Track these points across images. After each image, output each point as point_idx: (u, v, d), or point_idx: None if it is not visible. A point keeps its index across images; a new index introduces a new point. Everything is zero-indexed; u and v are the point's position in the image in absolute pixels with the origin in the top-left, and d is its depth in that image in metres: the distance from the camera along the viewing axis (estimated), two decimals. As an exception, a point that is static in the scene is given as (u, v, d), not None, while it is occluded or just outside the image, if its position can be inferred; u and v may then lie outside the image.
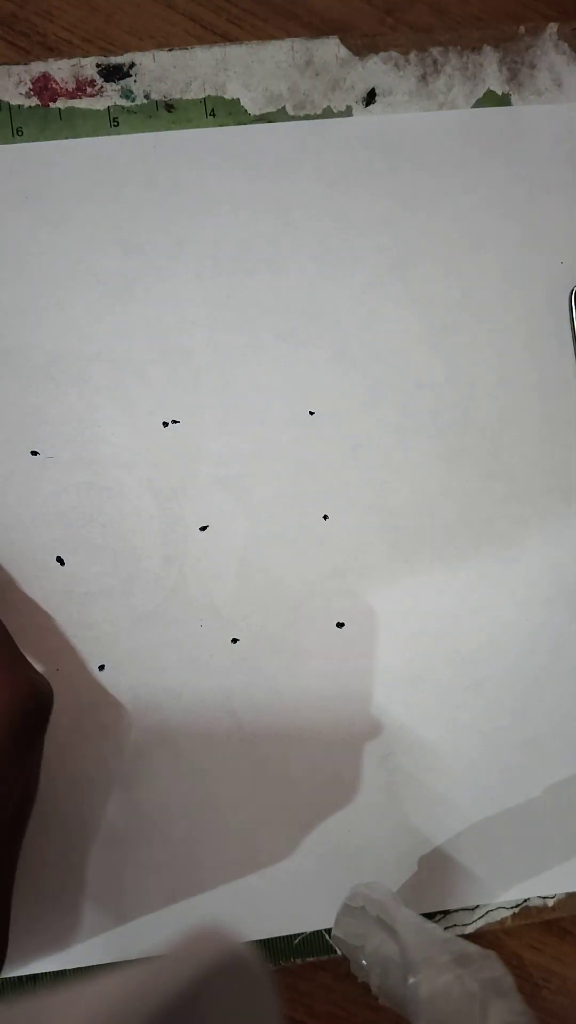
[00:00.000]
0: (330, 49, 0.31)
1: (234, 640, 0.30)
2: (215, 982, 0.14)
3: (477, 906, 0.30)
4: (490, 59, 0.32)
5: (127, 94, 0.30)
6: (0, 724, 0.21)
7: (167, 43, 0.32)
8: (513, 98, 0.32)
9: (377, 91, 0.31)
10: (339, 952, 0.28)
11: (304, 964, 0.30)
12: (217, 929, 0.15)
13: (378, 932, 0.25)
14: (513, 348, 0.32)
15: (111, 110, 0.30)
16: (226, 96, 0.31)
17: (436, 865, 0.30)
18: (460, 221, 0.32)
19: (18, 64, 0.30)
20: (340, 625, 0.30)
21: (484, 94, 0.32)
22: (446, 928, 0.30)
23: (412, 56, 0.32)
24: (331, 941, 0.28)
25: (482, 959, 0.23)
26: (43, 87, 0.30)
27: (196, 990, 0.13)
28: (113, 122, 0.30)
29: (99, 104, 0.30)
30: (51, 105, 0.30)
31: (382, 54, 0.31)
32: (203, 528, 0.30)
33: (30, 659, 0.28)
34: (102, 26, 0.31)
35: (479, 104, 0.32)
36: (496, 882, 0.31)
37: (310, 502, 0.30)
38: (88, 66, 0.30)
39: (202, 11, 0.32)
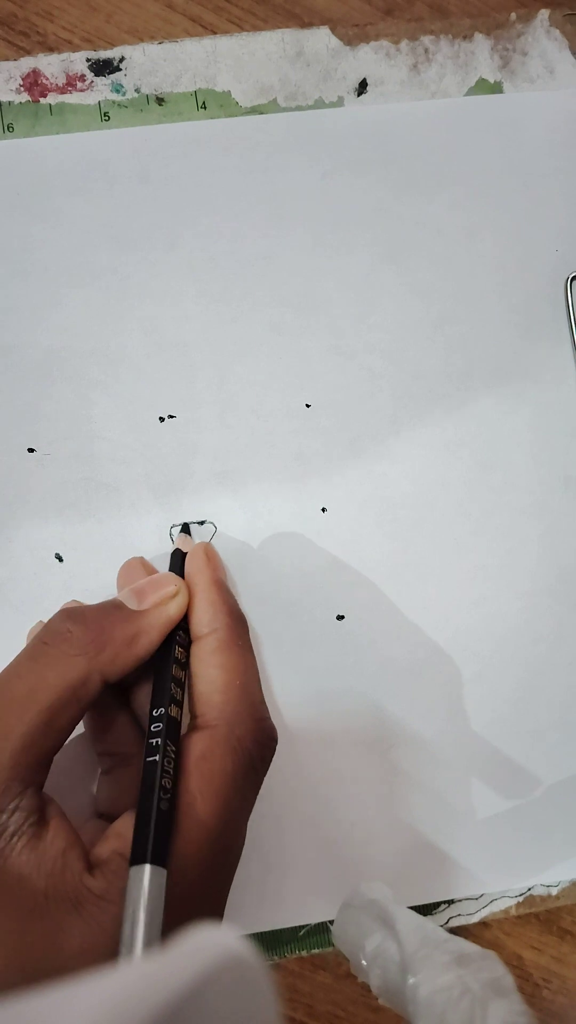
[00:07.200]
0: (320, 39, 0.31)
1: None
2: (214, 982, 0.14)
3: (481, 895, 0.31)
4: (482, 47, 0.32)
5: (117, 88, 0.30)
6: (247, 765, 0.24)
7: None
8: (505, 86, 0.32)
9: (368, 81, 0.31)
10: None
11: (304, 964, 0.30)
12: (216, 928, 0.15)
13: (378, 932, 0.25)
14: (509, 337, 0.32)
15: (102, 104, 0.30)
16: (217, 88, 0.31)
17: (439, 856, 0.30)
18: (454, 210, 0.31)
19: (7, 60, 0.30)
20: (340, 618, 0.30)
21: (476, 82, 0.32)
22: (451, 918, 0.30)
23: (403, 45, 0.31)
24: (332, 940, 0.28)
25: (482, 959, 0.23)
26: (33, 82, 0.30)
27: (195, 990, 0.13)
28: (104, 116, 0.30)
29: (89, 99, 0.30)
30: (41, 100, 0.30)
31: (373, 44, 0.31)
32: (201, 523, 0.30)
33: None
34: (102, 26, 0.31)
35: (471, 92, 0.32)
36: (500, 872, 0.31)
37: (308, 495, 0.30)
38: (78, 61, 0.30)
39: (202, 11, 0.31)
